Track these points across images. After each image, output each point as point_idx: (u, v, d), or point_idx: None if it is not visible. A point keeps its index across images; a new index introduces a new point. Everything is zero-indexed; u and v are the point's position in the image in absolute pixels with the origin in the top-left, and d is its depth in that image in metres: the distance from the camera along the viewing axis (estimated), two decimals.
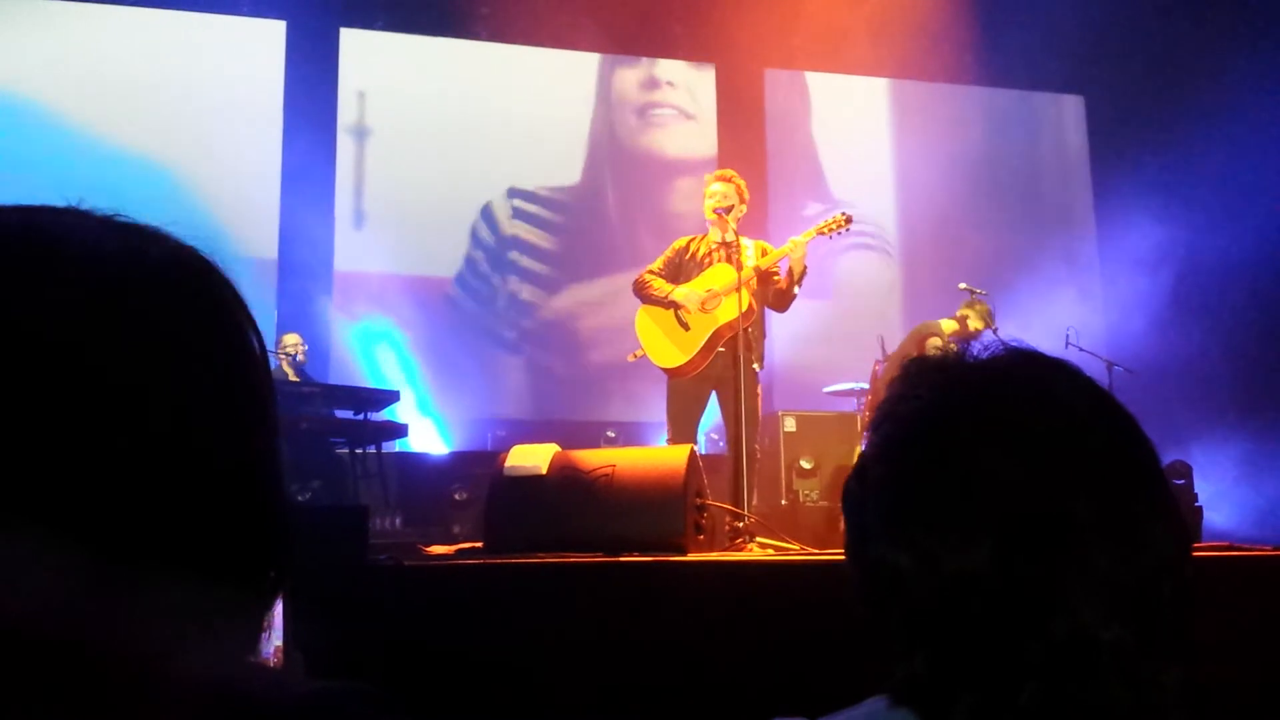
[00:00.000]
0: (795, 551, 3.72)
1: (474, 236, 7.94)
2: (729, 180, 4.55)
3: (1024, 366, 0.77)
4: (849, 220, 4.47)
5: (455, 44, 8.13)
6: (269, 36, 7.73)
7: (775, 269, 4.44)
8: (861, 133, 8.76)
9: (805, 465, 5.42)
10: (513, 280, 7.94)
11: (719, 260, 4.45)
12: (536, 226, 8.06)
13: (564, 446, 3.60)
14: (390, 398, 5.66)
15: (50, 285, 0.49)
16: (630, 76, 8.44)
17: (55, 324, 0.48)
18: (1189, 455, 6.33)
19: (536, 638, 2.59)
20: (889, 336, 6.31)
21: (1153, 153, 8.04)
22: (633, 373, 5.68)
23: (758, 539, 3.83)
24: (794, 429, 5.52)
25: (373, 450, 5.43)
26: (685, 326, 4.39)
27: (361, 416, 5.36)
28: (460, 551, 3.61)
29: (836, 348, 7.34)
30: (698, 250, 4.56)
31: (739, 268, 4.27)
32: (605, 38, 8.08)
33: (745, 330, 4.25)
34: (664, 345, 4.42)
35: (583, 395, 7.81)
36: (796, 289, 4.42)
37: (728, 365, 4.32)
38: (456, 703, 2.45)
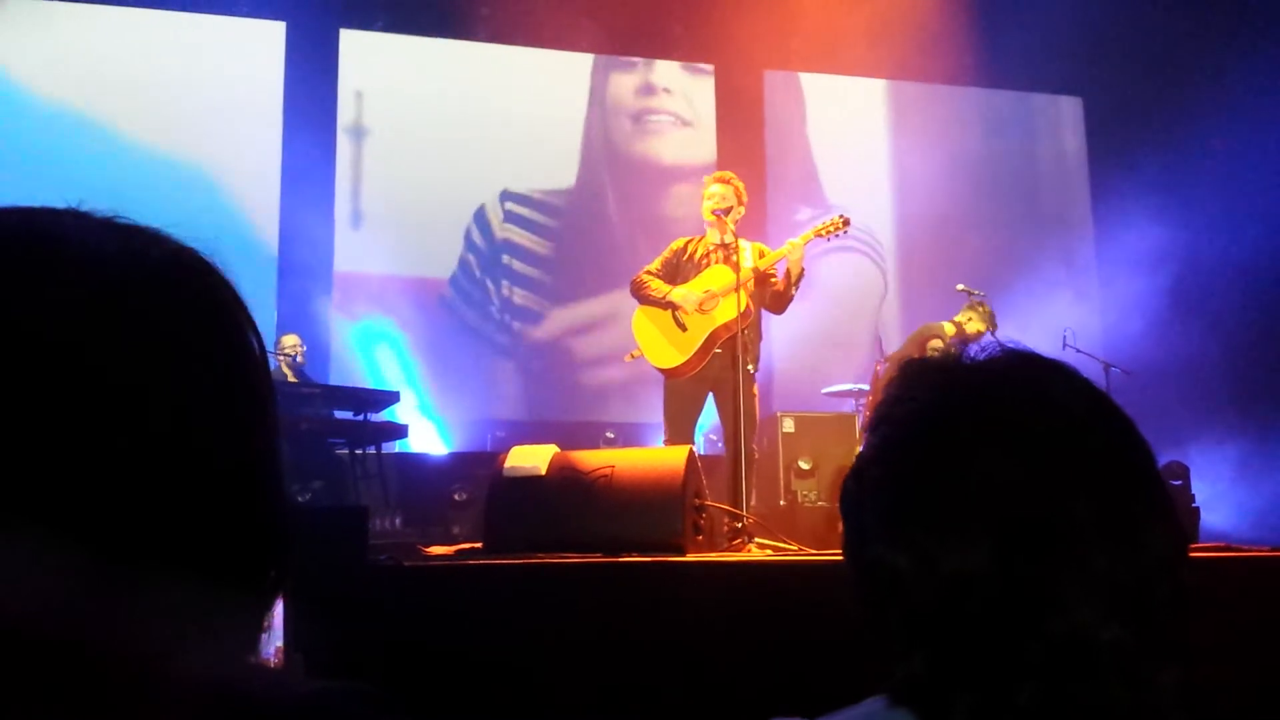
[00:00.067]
0: (794, 552, 3.72)
1: (467, 239, 7.94)
2: (728, 182, 4.55)
3: (1021, 368, 0.77)
4: (846, 222, 4.48)
5: (455, 45, 8.13)
6: (269, 37, 7.74)
7: (773, 271, 4.44)
8: (859, 134, 8.76)
9: (804, 466, 5.41)
10: (505, 284, 7.94)
11: (717, 261, 4.45)
12: (530, 231, 8.05)
13: (563, 447, 3.60)
14: (390, 398, 5.66)
15: (51, 286, 0.49)
16: (628, 82, 8.43)
17: (55, 324, 0.48)
18: (1186, 456, 6.34)
19: (536, 638, 2.59)
20: (885, 339, 6.31)
21: (1150, 154, 8.04)
22: (632, 374, 5.68)
23: (756, 539, 3.83)
24: (792, 430, 5.52)
25: (372, 451, 5.43)
26: (682, 327, 4.39)
27: (361, 417, 5.36)
28: (460, 552, 3.61)
29: (832, 349, 7.35)
30: (695, 251, 4.56)
31: (737, 269, 4.28)
32: (605, 39, 8.09)
33: (741, 332, 4.25)
34: (661, 345, 4.42)
35: (582, 396, 7.81)
36: (794, 291, 4.42)
37: (725, 366, 4.32)
38: (456, 703, 2.45)
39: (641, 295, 4.50)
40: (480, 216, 7.97)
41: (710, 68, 8.52)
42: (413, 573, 2.86)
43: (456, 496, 5.68)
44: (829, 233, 4.47)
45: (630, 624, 2.67)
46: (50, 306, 0.48)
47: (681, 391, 4.45)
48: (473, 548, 3.65)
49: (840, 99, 8.83)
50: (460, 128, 7.91)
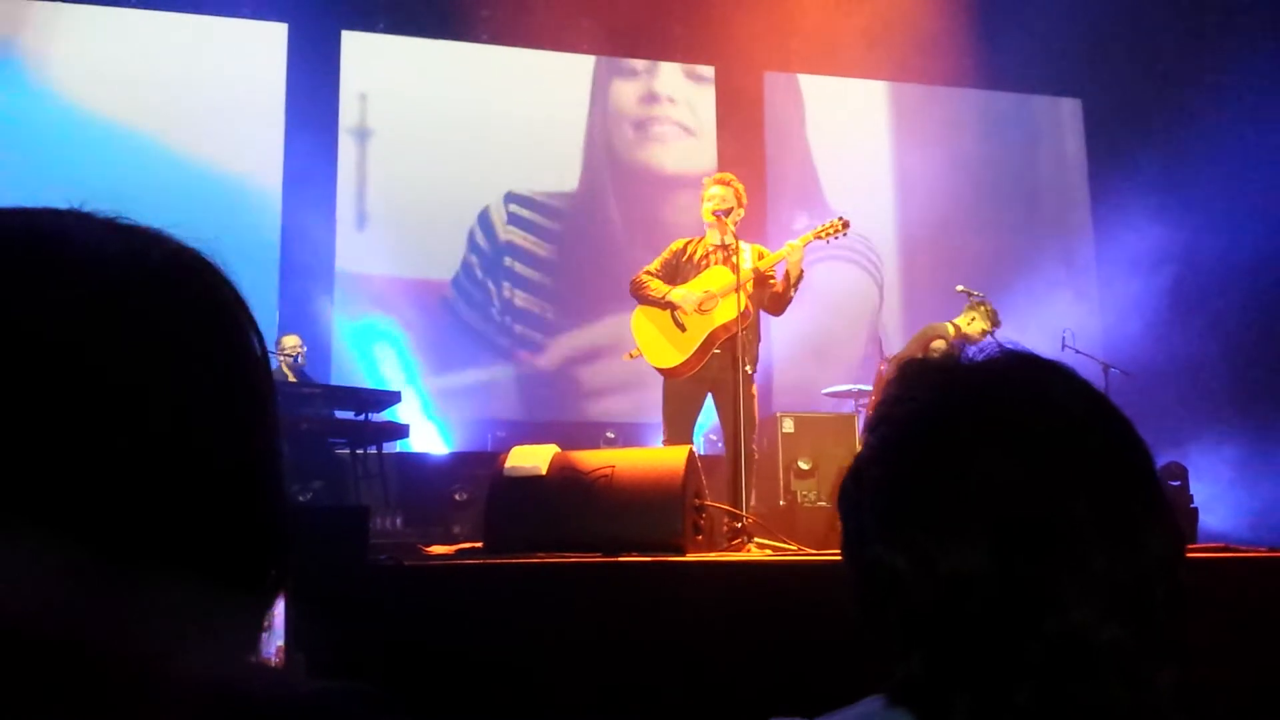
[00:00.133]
0: (793, 552, 3.72)
1: (471, 240, 7.94)
2: (728, 184, 4.56)
3: (1020, 369, 0.77)
4: (846, 225, 4.48)
5: (456, 46, 8.13)
6: (271, 39, 7.74)
7: (772, 272, 4.45)
8: (859, 135, 8.76)
9: (803, 466, 5.41)
10: (506, 286, 7.93)
11: (716, 262, 4.46)
12: (533, 233, 8.06)
13: (563, 447, 3.60)
14: (391, 399, 5.66)
15: (52, 286, 0.49)
16: (630, 89, 8.43)
17: (56, 325, 0.48)
18: (1185, 457, 6.33)
19: (536, 638, 2.60)
20: (886, 340, 6.31)
21: (1150, 155, 8.04)
22: (632, 375, 5.68)
23: (756, 539, 3.83)
24: (792, 430, 5.51)
25: (373, 451, 5.44)
26: (681, 327, 4.39)
27: (362, 417, 5.36)
28: (460, 552, 3.62)
29: (831, 351, 7.35)
30: (695, 252, 4.56)
31: (736, 270, 4.28)
32: (605, 40, 8.08)
33: (740, 332, 4.25)
34: (660, 345, 4.43)
35: (582, 397, 7.81)
36: (793, 293, 4.43)
37: (724, 367, 4.32)
38: (456, 703, 2.45)
39: (641, 295, 4.51)
40: (484, 218, 7.97)
41: (712, 75, 8.52)
42: (413, 572, 2.86)
43: (457, 496, 5.68)
44: (829, 235, 4.47)
45: (630, 624, 2.67)
46: (51, 307, 0.48)
47: (680, 392, 4.45)
48: (473, 548, 3.65)
49: (840, 101, 8.83)
50: (461, 129, 7.91)
